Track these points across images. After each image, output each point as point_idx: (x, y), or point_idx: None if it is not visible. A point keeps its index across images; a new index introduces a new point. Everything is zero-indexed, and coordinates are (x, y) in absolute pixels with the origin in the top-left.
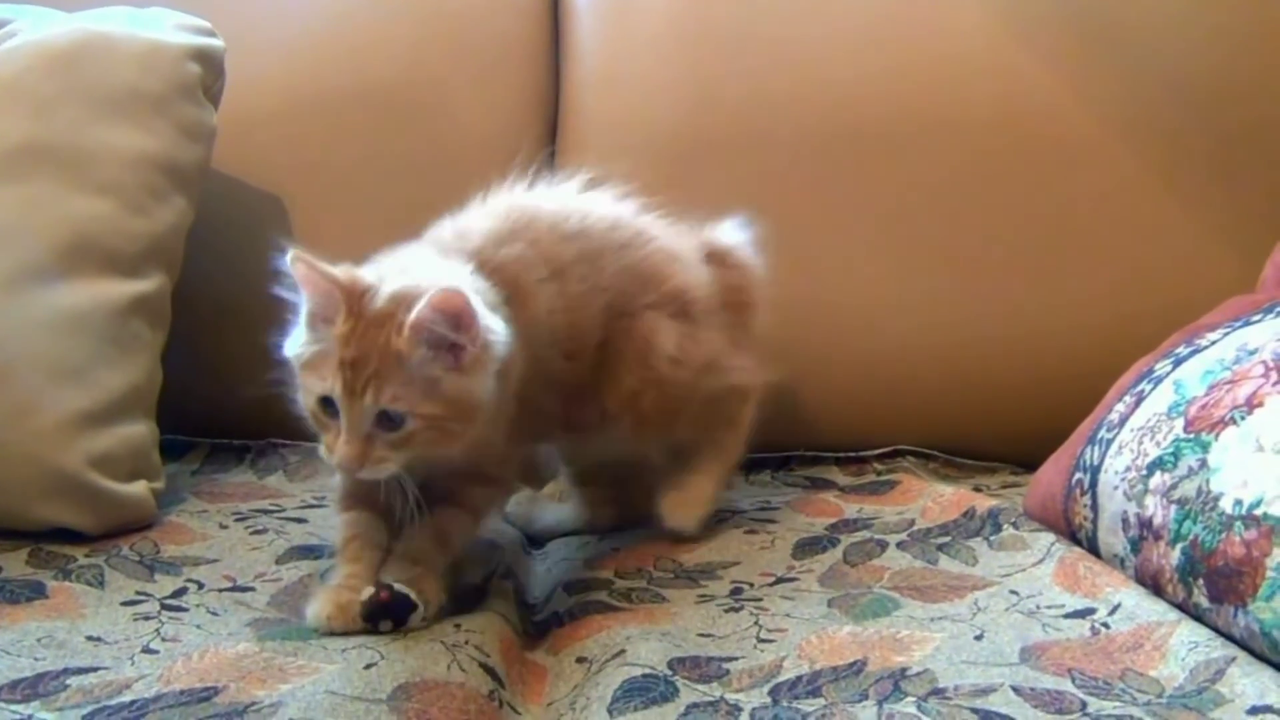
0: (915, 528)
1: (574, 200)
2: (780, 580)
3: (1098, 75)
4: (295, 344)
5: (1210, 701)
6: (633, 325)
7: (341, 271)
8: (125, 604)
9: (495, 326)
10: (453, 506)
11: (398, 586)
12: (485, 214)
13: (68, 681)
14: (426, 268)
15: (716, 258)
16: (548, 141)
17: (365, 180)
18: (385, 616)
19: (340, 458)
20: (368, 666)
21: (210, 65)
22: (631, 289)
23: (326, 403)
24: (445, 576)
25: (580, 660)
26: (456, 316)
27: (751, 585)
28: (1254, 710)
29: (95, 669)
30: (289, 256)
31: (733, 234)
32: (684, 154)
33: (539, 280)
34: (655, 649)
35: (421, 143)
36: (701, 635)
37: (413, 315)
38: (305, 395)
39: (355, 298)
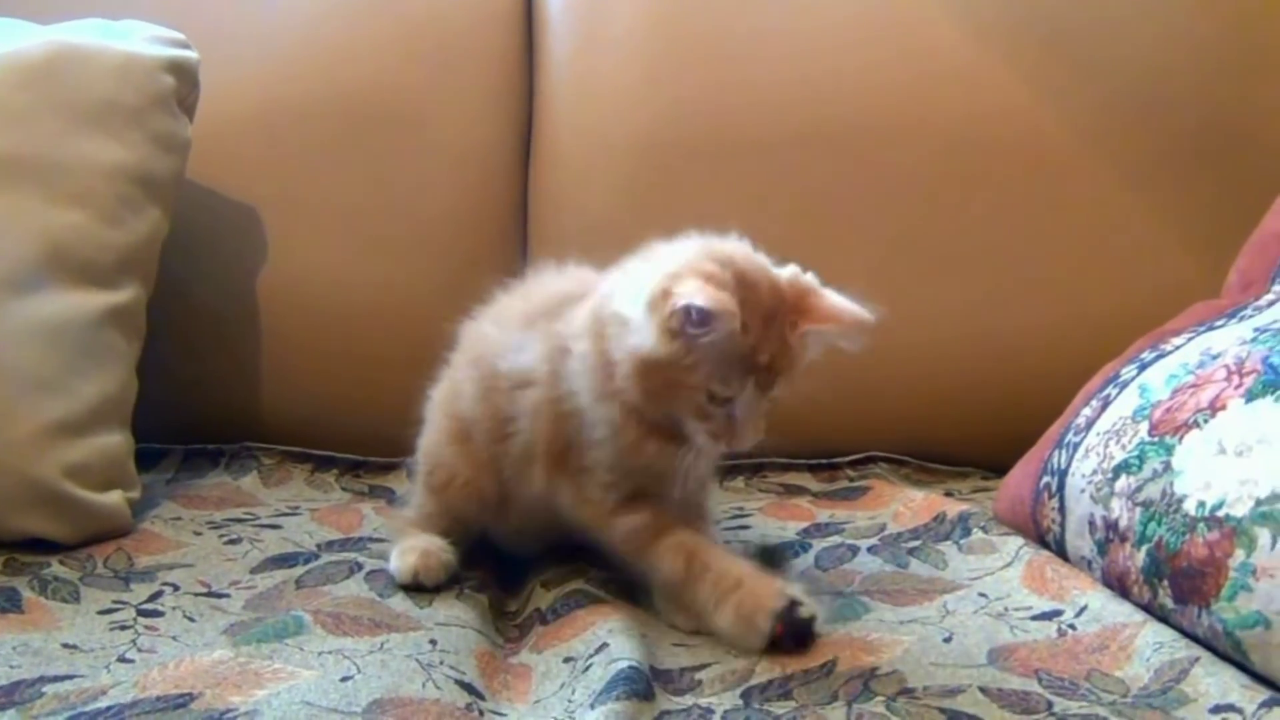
0: (886, 532)
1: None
2: None
3: (1056, 78)
4: None
5: (1174, 701)
6: None
7: None
8: (101, 613)
9: None
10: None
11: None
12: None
13: (44, 689)
14: None
15: None
16: (522, 149)
17: (339, 189)
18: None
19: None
20: (344, 679)
21: (185, 77)
22: None
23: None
24: None
25: (567, 660)
26: None
27: None
28: (1216, 709)
29: (71, 676)
30: None
31: None
32: (659, 159)
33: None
34: (638, 649)
35: (395, 152)
36: (675, 645)
37: None
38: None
39: None
